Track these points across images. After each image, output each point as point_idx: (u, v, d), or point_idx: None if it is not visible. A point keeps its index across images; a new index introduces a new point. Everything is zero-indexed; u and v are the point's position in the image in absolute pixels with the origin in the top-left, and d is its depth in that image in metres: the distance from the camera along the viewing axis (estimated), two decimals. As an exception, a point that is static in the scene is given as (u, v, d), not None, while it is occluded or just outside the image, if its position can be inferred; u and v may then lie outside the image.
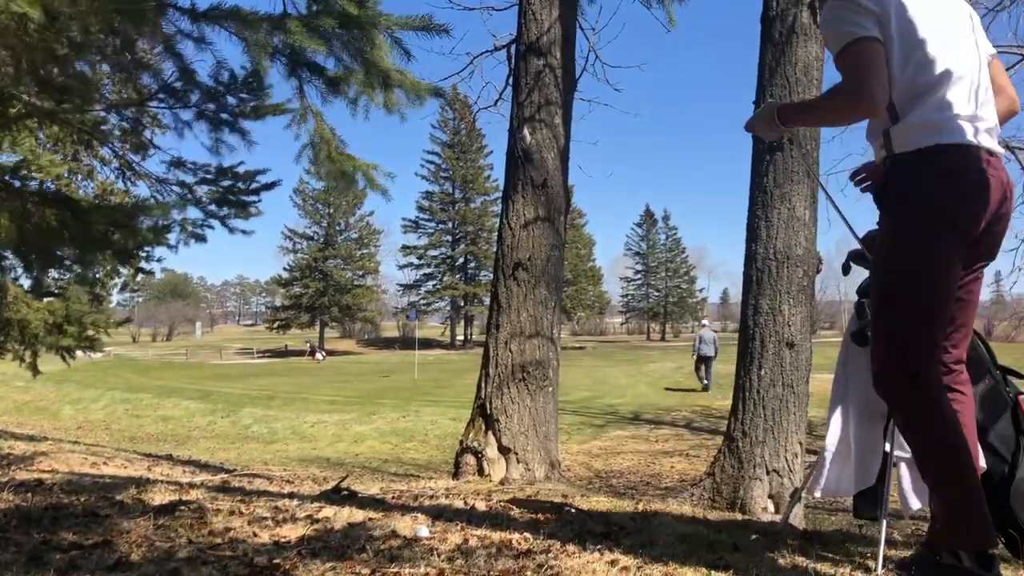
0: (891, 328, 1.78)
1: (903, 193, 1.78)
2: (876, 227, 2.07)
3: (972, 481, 1.72)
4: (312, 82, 4.08)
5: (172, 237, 4.54)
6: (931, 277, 1.74)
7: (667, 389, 19.61)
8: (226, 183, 4.51)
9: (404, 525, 2.43)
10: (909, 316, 1.75)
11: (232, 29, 3.53)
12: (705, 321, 23.52)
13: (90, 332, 8.67)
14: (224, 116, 4.08)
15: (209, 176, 4.49)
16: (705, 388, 17.90)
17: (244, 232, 4.78)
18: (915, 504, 2.16)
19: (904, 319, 1.76)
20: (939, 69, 1.77)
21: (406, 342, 46.91)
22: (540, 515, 2.70)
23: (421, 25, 3.83)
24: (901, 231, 1.78)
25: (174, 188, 4.49)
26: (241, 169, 4.55)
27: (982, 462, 2.03)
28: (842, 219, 2.17)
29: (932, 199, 1.74)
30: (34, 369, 8.86)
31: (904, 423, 1.81)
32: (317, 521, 2.50)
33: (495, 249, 4.75)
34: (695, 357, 18.60)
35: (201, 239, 4.67)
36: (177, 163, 4.48)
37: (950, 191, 1.73)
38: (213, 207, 4.53)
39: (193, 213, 4.56)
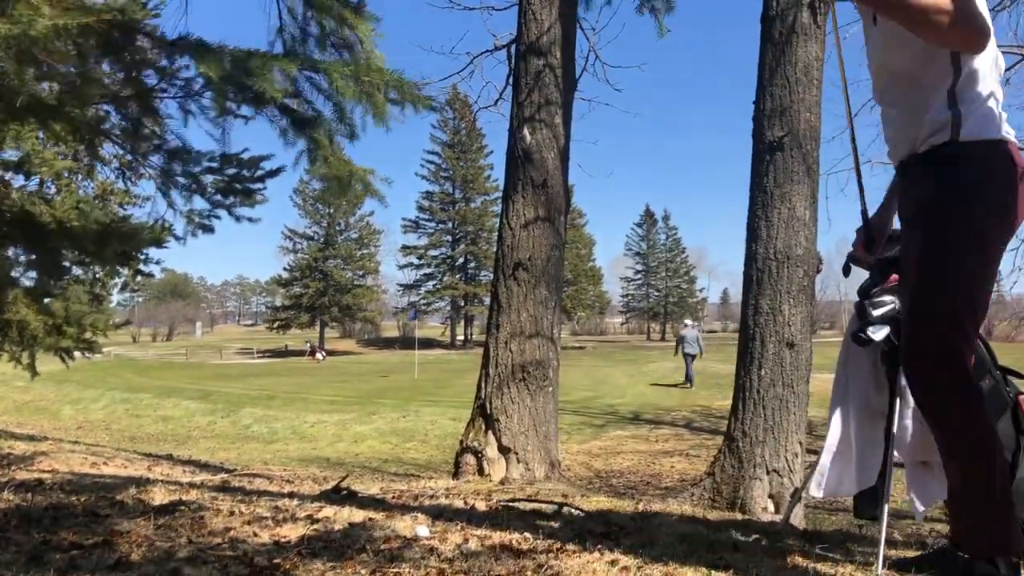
0: (937, 324, 1.70)
1: (966, 186, 1.71)
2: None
3: (1004, 482, 1.68)
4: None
5: (179, 229, 4.53)
6: (984, 272, 1.71)
7: (652, 384, 20.24)
8: (231, 171, 4.44)
9: (404, 525, 2.43)
10: (956, 314, 1.70)
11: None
12: (688, 321, 24.84)
13: (88, 335, 8.63)
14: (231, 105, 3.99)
15: (214, 165, 4.44)
16: (690, 383, 18.83)
17: (250, 220, 4.74)
18: (920, 507, 2.15)
19: (953, 319, 1.70)
20: (989, 57, 1.73)
21: (406, 342, 46.91)
22: (540, 515, 2.70)
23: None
24: (962, 223, 1.70)
25: (179, 179, 4.43)
26: (245, 156, 4.49)
27: None
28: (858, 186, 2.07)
29: (994, 194, 1.70)
30: (32, 370, 8.85)
31: (938, 420, 1.74)
32: (317, 521, 2.50)
33: (495, 249, 4.75)
34: (680, 355, 19.40)
35: (209, 230, 4.63)
36: (181, 153, 4.41)
37: (1009, 187, 1.70)
38: (219, 196, 4.48)
39: (199, 204, 4.53)
